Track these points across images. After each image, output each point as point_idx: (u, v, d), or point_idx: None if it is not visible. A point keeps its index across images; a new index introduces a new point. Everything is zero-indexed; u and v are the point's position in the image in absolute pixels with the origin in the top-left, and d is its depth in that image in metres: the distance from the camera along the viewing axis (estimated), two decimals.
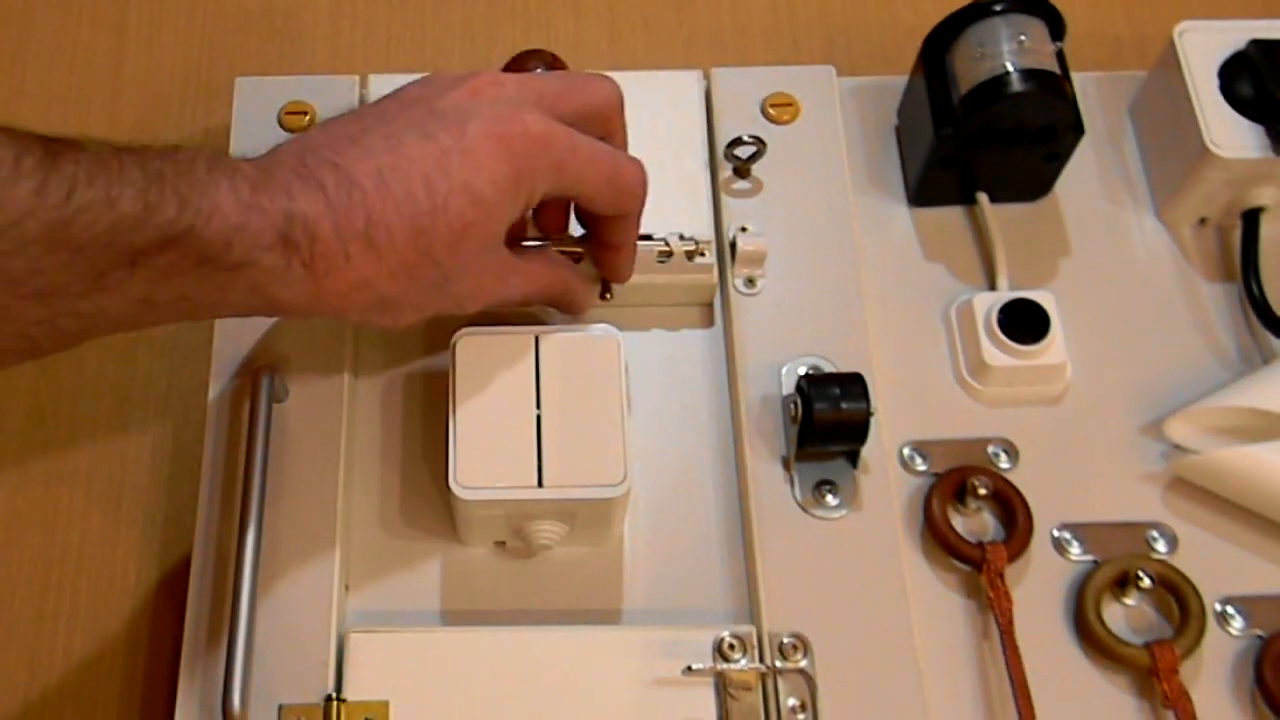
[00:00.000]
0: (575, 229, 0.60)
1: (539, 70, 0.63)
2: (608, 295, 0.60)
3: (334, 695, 0.52)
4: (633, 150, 0.62)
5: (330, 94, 0.65)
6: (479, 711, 0.53)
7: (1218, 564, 0.58)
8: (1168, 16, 0.67)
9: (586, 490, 0.53)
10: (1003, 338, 0.61)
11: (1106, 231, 0.67)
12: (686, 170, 0.63)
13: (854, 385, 0.56)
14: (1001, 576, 0.56)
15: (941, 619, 0.57)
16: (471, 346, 0.55)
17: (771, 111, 0.65)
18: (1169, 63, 0.65)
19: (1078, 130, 0.63)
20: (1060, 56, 0.62)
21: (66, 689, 0.59)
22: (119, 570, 0.61)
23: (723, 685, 0.53)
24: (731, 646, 0.53)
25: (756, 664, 0.53)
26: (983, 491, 0.58)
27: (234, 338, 0.59)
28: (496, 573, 0.57)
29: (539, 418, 0.54)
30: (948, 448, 0.61)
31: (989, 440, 0.61)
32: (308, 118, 0.65)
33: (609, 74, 0.66)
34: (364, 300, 0.49)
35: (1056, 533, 0.59)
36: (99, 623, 0.60)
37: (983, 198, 0.66)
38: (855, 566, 0.56)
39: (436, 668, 0.53)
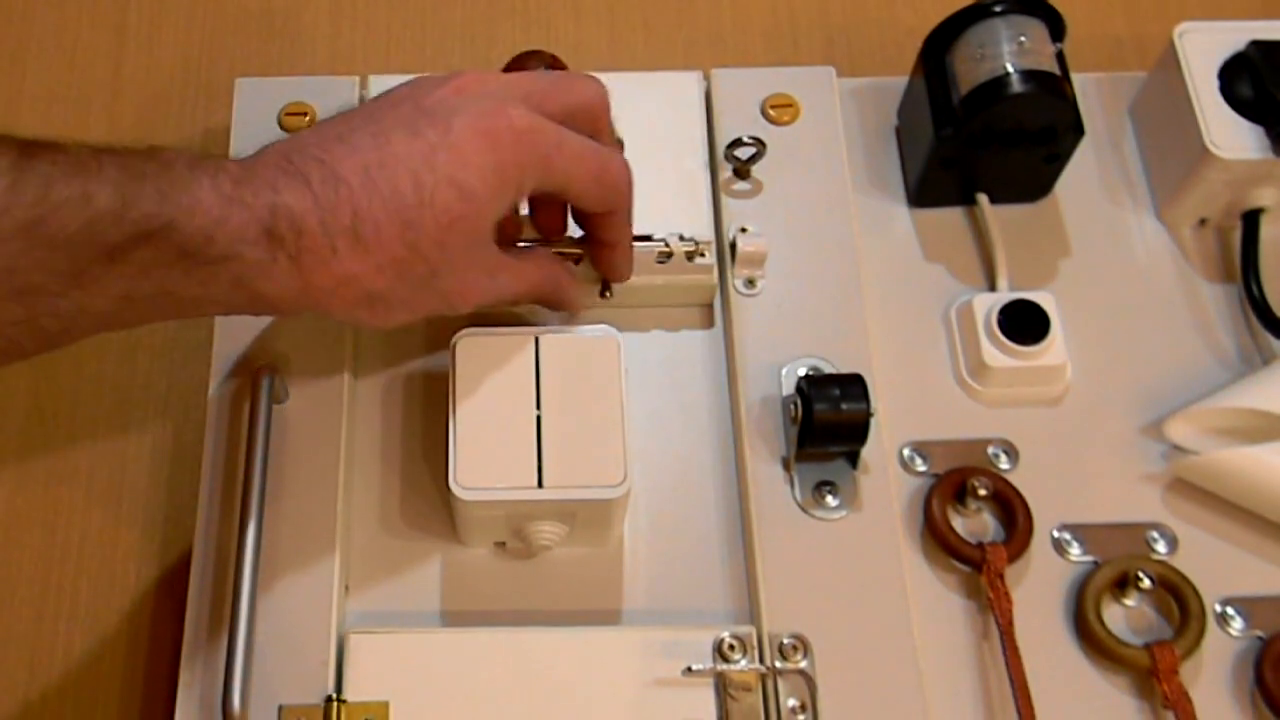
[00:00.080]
0: (573, 231, 0.61)
1: (539, 70, 0.63)
2: (607, 294, 0.60)
3: (334, 696, 0.52)
4: (633, 151, 0.63)
5: (330, 94, 0.65)
6: (479, 712, 0.53)
7: (1218, 564, 0.58)
8: (1168, 17, 0.67)
9: (586, 491, 0.53)
10: (1003, 338, 0.61)
11: (1106, 232, 0.67)
12: (686, 171, 0.63)
13: (854, 386, 0.56)
14: (1001, 577, 0.56)
15: (941, 619, 0.57)
16: (471, 347, 0.56)
17: (771, 112, 0.65)
18: (1169, 63, 0.65)
19: (1078, 131, 0.63)
20: (1060, 57, 0.62)
21: (66, 689, 0.59)
22: (119, 570, 0.61)
23: (723, 686, 0.53)
24: (731, 647, 0.53)
25: (756, 665, 0.53)
26: (983, 492, 0.58)
27: (234, 338, 0.59)
28: (496, 573, 0.57)
29: (539, 418, 0.54)
30: (948, 448, 0.61)
31: (989, 441, 0.61)
32: (307, 118, 0.65)
33: (609, 74, 0.66)
34: (351, 296, 0.49)
35: (1056, 533, 0.59)
36: (99, 623, 0.60)
37: (983, 198, 0.66)
38: (855, 567, 0.56)
39: (436, 668, 0.53)
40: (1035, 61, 0.61)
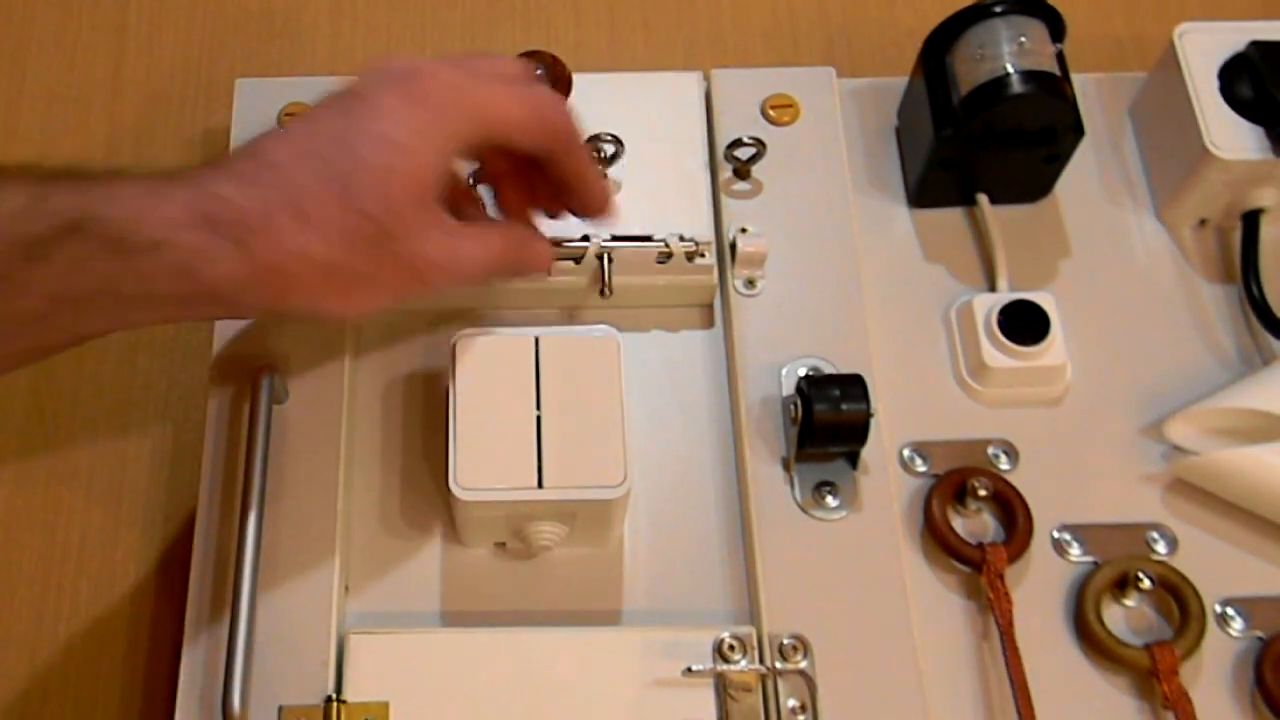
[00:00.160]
0: (573, 231, 0.61)
1: (539, 70, 0.63)
2: (607, 292, 0.60)
3: (334, 696, 0.52)
4: (633, 151, 0.63)
5: None
6: (479, 712, 0.53)
7: (1218, 565, 0.58)
8: (1168, 17, 0.67)
9: (586, 491, 0.53)
10: (1003, 339, 0.61)
11: (1106, 232, 0.67)
12: (686, 171, 0.63)
13: (854, 386, 0.56)
14: (1001, 577, 0.56)
15: (941, 620, 0.57)
16: (471, 347, 0.56)
17: (771, 113, 0.66)
18: (1169, 64, 0.65)
19: (1078, 131, 0.63)
20: (1060, 58, 0.62)
21: (66, 689, 0.59)
22: (119, 570, 0.61)
23: (723, 686, 0.53)
24: (731, 647, 0.53)
25: (756, 665, 0.53)
26: (983, 492, 0.58)
27: (234, 338, 0.59)
28: (496, 573, 0.57)
29: (539, 418, 0.54)
30: (948, 449, 0.61)
31: (989, 441, 0.61)
32: None
33: (609, 74, 0.66)
34: (307, 274, 0.47)
35: (1056, 534, 0.59)
36: (99, 623, 0.60)
37: (983, 199, 0.66)
38: (855, 567, 0.56)
39: (436, 668, 0.53)
40: (1035, 62, 0.61)
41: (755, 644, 0.54)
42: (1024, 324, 0.61)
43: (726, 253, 0.62)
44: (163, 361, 0.66)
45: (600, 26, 0.76)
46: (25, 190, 0.43)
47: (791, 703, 0.53)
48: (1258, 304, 0.63)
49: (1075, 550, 0.58)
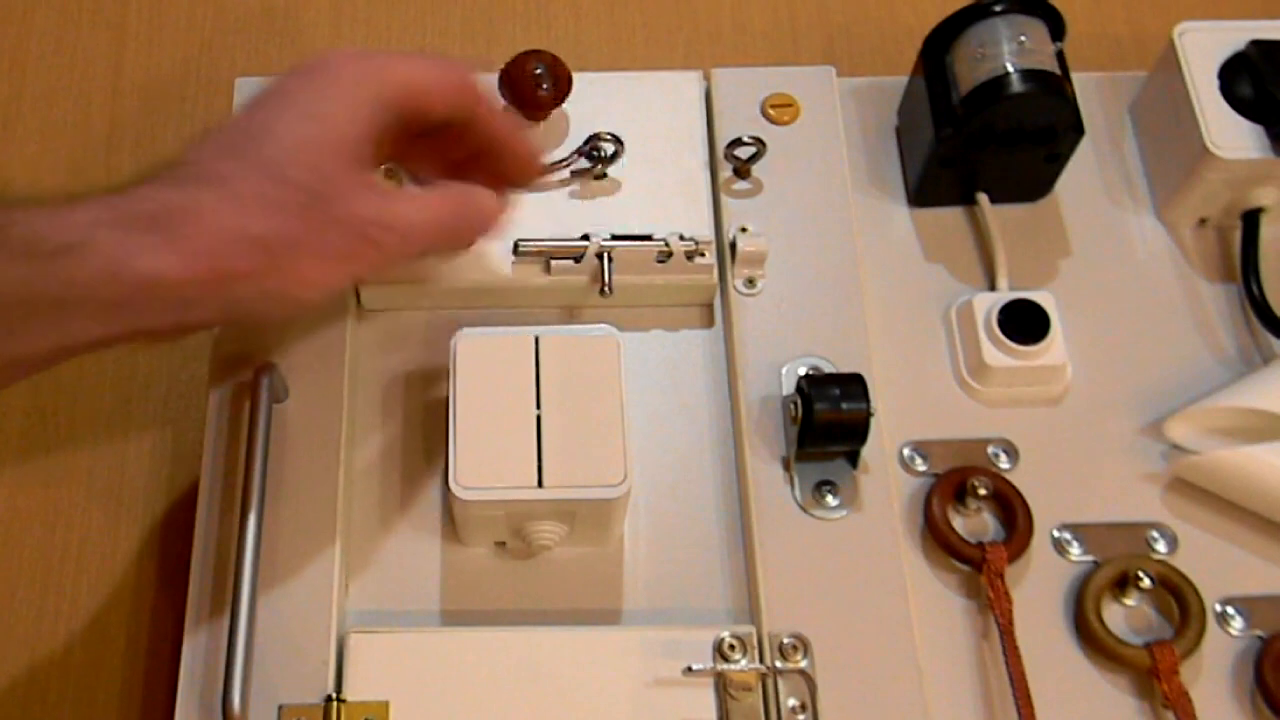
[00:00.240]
0: (571, 231, 0.61)
1: (539, 70, 0.63)
2: (607, 291, 0.60)
3: (334, 695, 0.52)
4: (633, 150, 0.63)
5: None
6: (479, 711, 0.53)
7: (1218, 564, 0.58)
8: (1168, 16, 0.67)
9: (586, 490, 0.53)
10: (1003, 338, 0.61)
11: (1106, 231, 0.67)
12: (686, 170, 0.63)
13: (854, 385, 0.56)
14: (1001, 577, 0.56)
15: (941, 619, 0.57)
16: (471, 346, 0.55)
17: (771, 112, 0.66)
18: (1169, 63, 0.65)
19: (1078, 131, 0.63)
20: (1060, 57, 0.62)
21: (66, 689, 0.59)
22: (119, 570, 0.61)
23: (723, 686, 0.53)
24: (732, 647, 0.53)
25: (756, 664, 0.53)
26: (983, 492, 0.58)
27: (234, 337, 0.59)
28: (496, 573, 0.57)
29: (539, 418, 0.54)
30: (948, 448, 0.61)
31: (989, 440, 0.61)
32: None
33: (609, 74, 0.66)
34: (246, 255, 0.46)
35: (1056, 533, 0.59)
36: (99, 623, 0.60)
37: (983, 198, 0.66)
38: (855, 567, 0.56)
39: (436, 668, 0.53)
40: (1035, 61, 0.61)
41: (755, 643, 0.54)
42: (1024, 323, 0.61)
43: (726, 252, 0.62)
44: (163, 361, 0.66)
45: (600, 26, 0.76)
46: None
47: (791, 702, 0.53)
48: (1258, 303, 0.63)
49: (1075, 549, 0.58)
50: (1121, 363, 0.63)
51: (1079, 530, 0.59)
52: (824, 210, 0.63)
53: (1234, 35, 0.64)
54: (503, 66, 0.63)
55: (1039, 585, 0.58)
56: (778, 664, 0.53)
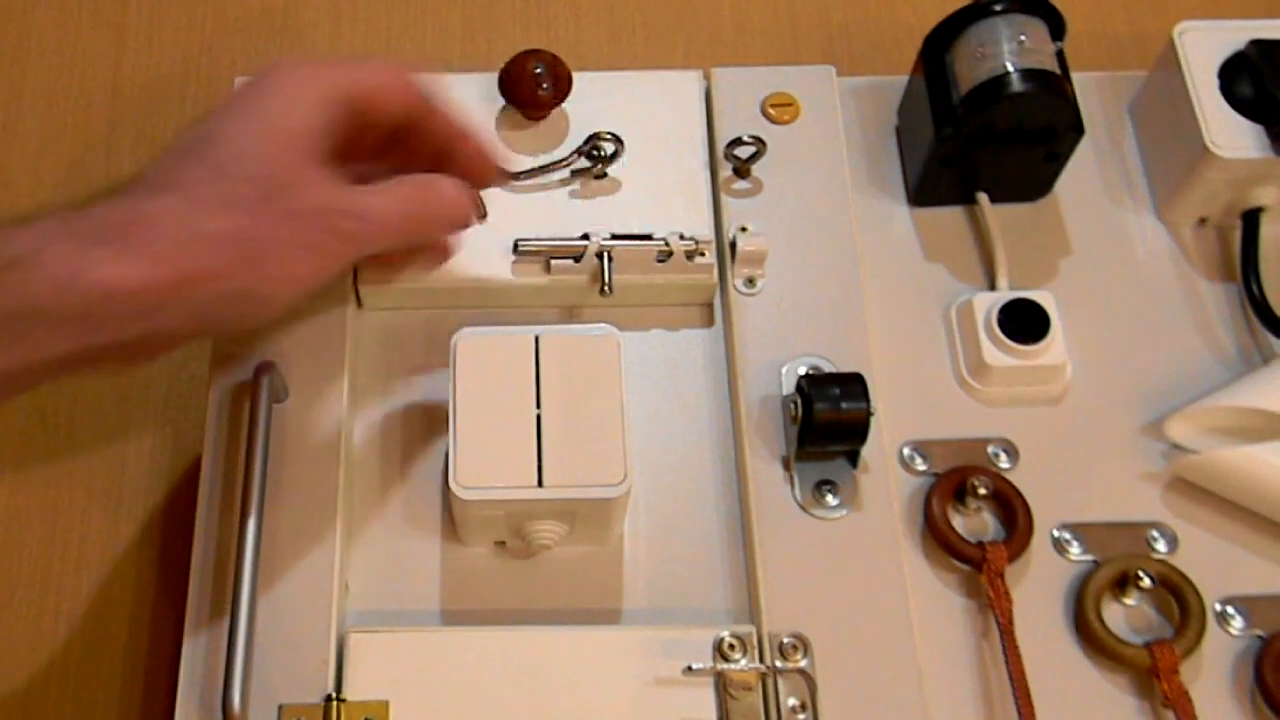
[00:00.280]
0: (571, 230, 0.61)
1: (539, 70, 0.63)
2: (607, 291, 0.60)
3: (334, 695, 0.52)
4: (633, 150, 0.63)
5: None
6: (479, 711, 0.53)
7: (1218, 564, 0.58)
8: (1168, 16, 0.67)
9: (586, 490, 0.53)
10: (1003, 338, 0.61)
11: (1106, 231, 0.67)
12: (686, 170, 0.64)
13: (854, 385, 0.56)
14: (1001, 576, 0.56)
15: (941, 619, 0.57)
16: (471, 346, 0.55)
17: (771, 111, 0.66)
18: (1169, 63, 0.65)
19: (1078, 130, 0.63)
20: (1060, 56, 0.62)
21: (66, 689, 0.59)
22: (119, 570, 0.61)
23: (723, 685, 0.53)
24: (731, 646, 0.53)
25: (756, 664, 0.53)
26: (983, 491, 0.58)
27: (234, 337, 0.59)
28: (496, 573, 0.57)
29: (539, 418, 0.54)
30: (948, 448, 0.61)
31: (989, 440, 0.61)
32: None
33: (609, 74, 0.66)
34: (207, 255, 0.45)
35: (1056, 533, 0.59)
36: (99, 623, 0.60)
37: (983, 198, 0.66)
38: (855, 566, 0.56)
39: (436, 668, 0.53)
40: (1035, 60, 0.61)
41: (755, 643, 0.54)
42: (1024, 323, 0.61)
43: (726, 251, 0.62)
44: (163, 361, 0.66)
45: (600, 26, 0.76)
46: None
47: (792, 702, 0.53)
48: (1258, 303, 0.63)
49: (1075, 549, 0.58)
50: (1121, 362, 0.63)
51: (1079, 530, 0.59)
52: (824, 210, 0.63)
53: (1234, 35, 0.64)
54: (503, 66, 0.63)
55: (1039, 585, 0.58)
56: (778, 663, 0.53)
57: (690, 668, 0.53)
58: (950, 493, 0.59)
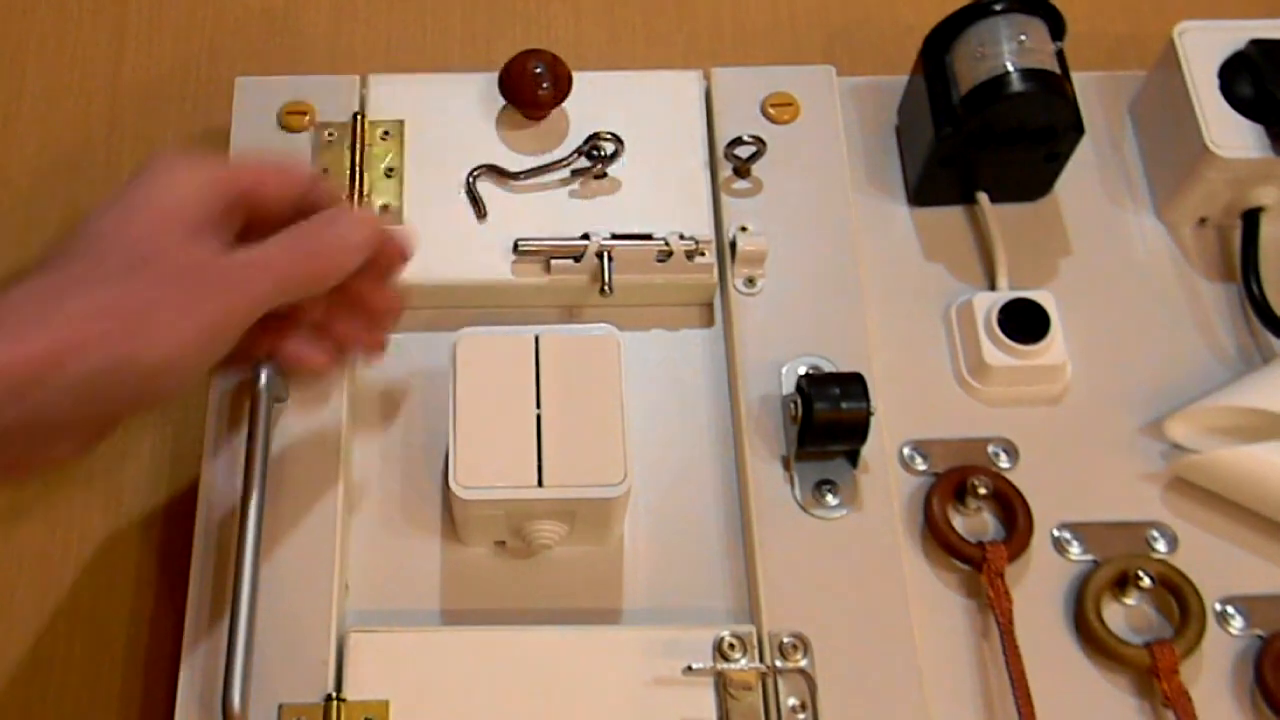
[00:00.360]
0: (571, 230, 0.61)
1: (539, 70, 0.63)
2: (607, 290, 0.60)
3: (334, 695, 0.52)
4: (633, 150, 0.63)
5: (330, 94, 0.65)
6: (479, 711, 0.53)
7: (1218, 564, 0.58)
8: (1168, 16, 0.67)
9: (586, 490, 0.53)
10: (1003, 337, 0.61)
11: (1106, 231, 0.67)
12: (686, 170, 0.64)
13: (854, 385, 0.56)
14: (1001, 576, 0.56)
15: (941, 619, 0.57)
16: (472, 346, 0.55)
17: (771, 111, 0.66)
18: (1169, 63, 0.65)
19: (1078, 130, 0.63)
20: (1060, 56, 0.62)
21: (67, 689, 0.59)
22: (119, 570, 0.61)
23: (723, 685, 0.53)
24: (731, 646, 0.53)
25: (756, 664, 0.53)
26: (983, 491, 0.58)
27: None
28: (496, 573, 0.57)
29: (539, 417, 0.54)
30: (948, 447, 0.61)
31: (989, 440, 0.61)
32: (307, 118, 0.65)
33: (609, 74, 0.66)
34: (79, 323, 0.44)
35: (1056, 532, 0.59)
36: (99, 623, 0.60)
37: (983, 197, 0.66)
38: (855, 566, 0.56)
39: (436, 668, 0.53)
40: (1035, 60, 0.61)
41: (755, 642, 0.54)
42: (1024, 322, 0.61)
43: (726, 251, 0.62)
44: None
45: (600, 26, 0.76)
46: None
47: (791, 701, 0.53)
48: (1258, 303, 0.63)
49: (1075, 549, 0.58)
50: (1121, 362, 0.63)
51: (1079, 529, 0.59)
52: (824, 210, 0.63)
53: (1234, 35, 0.64)
54: (503, 66, 0.63)
55: (1039, 585, 0.58)
56: (777, 663, 0.53)
57: (690, 668, 0.53)
58: (950, 492, 0.59)
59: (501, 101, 0.64)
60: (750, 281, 0.62)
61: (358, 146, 0.64)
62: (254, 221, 0.51)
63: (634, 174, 0.63)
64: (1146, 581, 0.56)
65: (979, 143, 0.63)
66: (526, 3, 0.76)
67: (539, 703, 0.53)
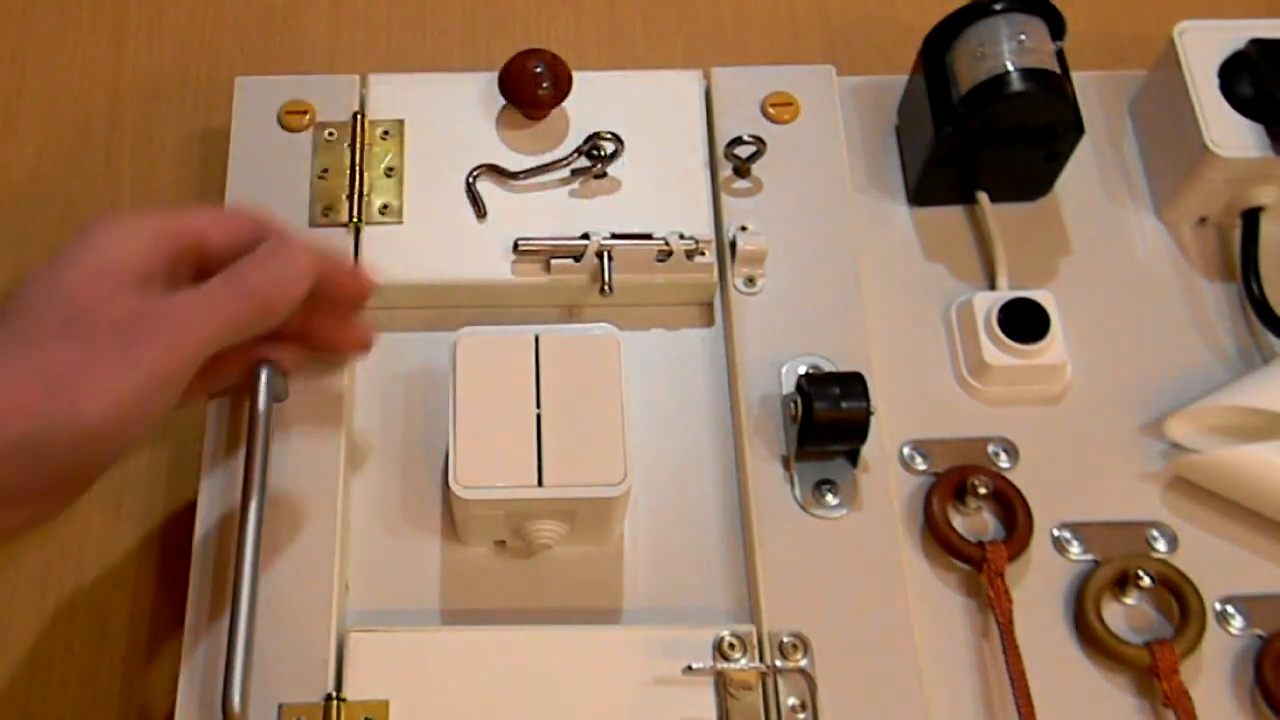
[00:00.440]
0: (571, 230, 0.61)
1: (539, 70, 0.63)
2: (607, 290, 0.60)
3: (334, 695, 0.52)
4: (633, 149, 0.63)
5: (330, 94, 0.65)
6: (479, 711, 0.53)
7: (1218, 564, 0.58)
8: (1168, 16, 0.67)
9: (586, 490, 0.53)
10: (1003, 337, 0.61)
11: (1106, 231, 0.67)
12: (686, 170, 0.64)
13: (854, 384, 0.56)
14: (1001, 576, 0.56)
15: (941, 619, 0.57)
16: (472, 346, 0.55)
17: (771, 111, 0.66)
18: (1169, 62, 0.65)
19: (1078, 130, 0.63)
20: (1060, 56, 0.62)
21: (67, 689, 0.59)
22: (119, 570, 0.61)
23: (723, 685, 0.53)
24: (731, 646, 0.53)
25: (756, 663, 0.53)
26: (983, 491, 0.58)
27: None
28: (496, 572, 0.57)
29: (539, 417, 0.54)
30: (948, 447, 0.61)
31: (989, 440, 0.61)
32: (307, 117, 0.65)
33: (609, 74, 0.66)
34: (12, 387, 0.43)
35: (1056, 532, 0.59)
36: (99, 623, 0.60)
37: (983, 197, 0.66)
38: (855, 566, 0.56)
39: (436, 667, 0.53)
40: (1035, 60, 0.61)
41: (755, 642, 0.54)
42: (1024, 322, 0.61)
43: (726, 251, 0.62)
44: None
45: (600, 26, 0.76)
46: None
47: (791, 701, 0.53)
48: (1258, 302, 0.63)
49: (1075, 548, 0.58)
50: (1121, 362, 0.63)
51: (1079, 529, 0.59)
52: (824, 209, 0.63)
53: (1234, 34, 0.64)
54: (503, 66, 0.63)
55: (1039, 584, 0.58)
56: (777, 663, 0.53)
57: (690, 667, 0.53)
58: (950, 492, 0.59)
59: (501, 101, 0.64)
60: (750, 281, 0.62)
61: (358, 146, 0.64)
62: (205, 272, 0.49)
63: (634, 174, 0.63)
64: (1146, 581, 0.56)
65: (979, 142, 0.63)
66: (526, 3, 0.76)
67: (539, 703, 0.53)
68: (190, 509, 0.57)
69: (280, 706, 0.52)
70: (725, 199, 0.64)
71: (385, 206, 0.63)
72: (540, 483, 0.53)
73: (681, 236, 0.60)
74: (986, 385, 0.62)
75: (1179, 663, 0.55)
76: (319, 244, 0.52)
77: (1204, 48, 0.64)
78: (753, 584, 0.56)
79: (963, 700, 0.56)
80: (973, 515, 0.59)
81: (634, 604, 0.57)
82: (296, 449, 0.57)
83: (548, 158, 0.63)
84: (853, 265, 0.62)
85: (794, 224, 0.63)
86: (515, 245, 0.61)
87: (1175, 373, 0.63)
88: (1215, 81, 0.64)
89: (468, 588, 0.57)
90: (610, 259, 0.60)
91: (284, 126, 0.65)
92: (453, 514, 0.56)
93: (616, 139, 0.62)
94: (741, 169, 0.64)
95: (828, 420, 0.56)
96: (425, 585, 0.57)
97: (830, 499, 0.57)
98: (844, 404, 0.56)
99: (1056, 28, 0.62)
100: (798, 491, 0.57)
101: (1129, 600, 0.57)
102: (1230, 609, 0.57)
